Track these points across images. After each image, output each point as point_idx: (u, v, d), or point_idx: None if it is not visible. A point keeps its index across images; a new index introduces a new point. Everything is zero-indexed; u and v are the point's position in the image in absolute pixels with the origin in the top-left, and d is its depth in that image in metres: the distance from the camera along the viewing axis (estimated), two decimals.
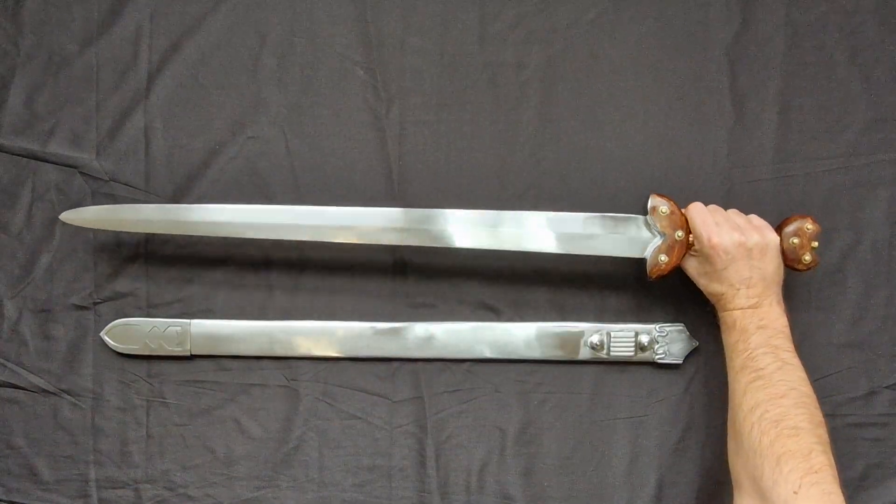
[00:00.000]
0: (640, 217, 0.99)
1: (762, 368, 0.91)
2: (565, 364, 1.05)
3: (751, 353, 0.92)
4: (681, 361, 1.04)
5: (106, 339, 1.05)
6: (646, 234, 0.99)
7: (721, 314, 0.97)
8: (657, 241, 0.98)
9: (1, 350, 1.06)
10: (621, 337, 1.04)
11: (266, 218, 0.99)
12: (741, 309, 0.95)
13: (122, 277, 1.06)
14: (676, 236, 0.97)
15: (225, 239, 1.06)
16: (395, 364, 1.05)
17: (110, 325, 1.05)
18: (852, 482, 1.02)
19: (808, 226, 0.96)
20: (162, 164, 1.06)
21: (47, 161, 1.06)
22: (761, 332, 0.93)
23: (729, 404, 0.93)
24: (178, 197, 1.06)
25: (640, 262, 1.00)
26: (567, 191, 1.06)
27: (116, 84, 1.07)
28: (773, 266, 0.95)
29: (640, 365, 1.05)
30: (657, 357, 1.04)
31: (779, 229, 0.97)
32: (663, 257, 0.98)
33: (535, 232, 0.98)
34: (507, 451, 1.04)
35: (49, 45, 1.07)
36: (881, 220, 1.05)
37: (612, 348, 1.04)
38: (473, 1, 1.07)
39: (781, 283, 0.97)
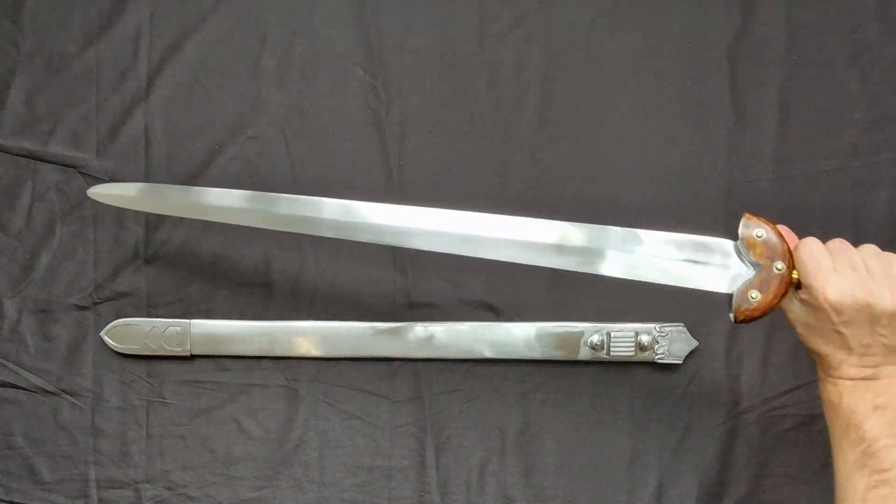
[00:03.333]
0: (730, 242, 0.83)
1: (887, 470, 0.72)
2: (565, 364, 1.05)
3: (869, 445, 0.74)
4: (681, 361, 1.04)
5: (106, 339, 1.05)
6: (736, 263, 0.82)
7: (821, 379, 0.79)
8: (749, 273, 0.81)
9: (1, 350, 1.06)
10: (621, 337, 1.04)
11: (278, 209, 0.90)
12: (850, 380, 0.76)
13: (122, 277, 1.06)
14: (775, 269, 0.80)
15: (225, 239, 1.06)
16: (395, 364, 1.05)
17: (110, 325, 1.05)
18: None
19: None
20: (162, 164, 1.06)
21: (47, 161, 1.06)
22: (879, 414, 0.74)
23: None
24: None
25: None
26: (567, 191, 1.06)
27: (116, 84, 1.07)
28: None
29: (640, 365, 1.05)
30: (657, 357, 1.03)
31: None
32: (755, 294, 0.80)
33: (601, 251, 0.84)
34: (507, 451, 1.04)
35: (49, 45, 1.07)
36: (881, 220, 1.05)
37: (612, 348, 1.04)
38: (473, 1, 1.07)
39: None
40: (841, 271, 0.76)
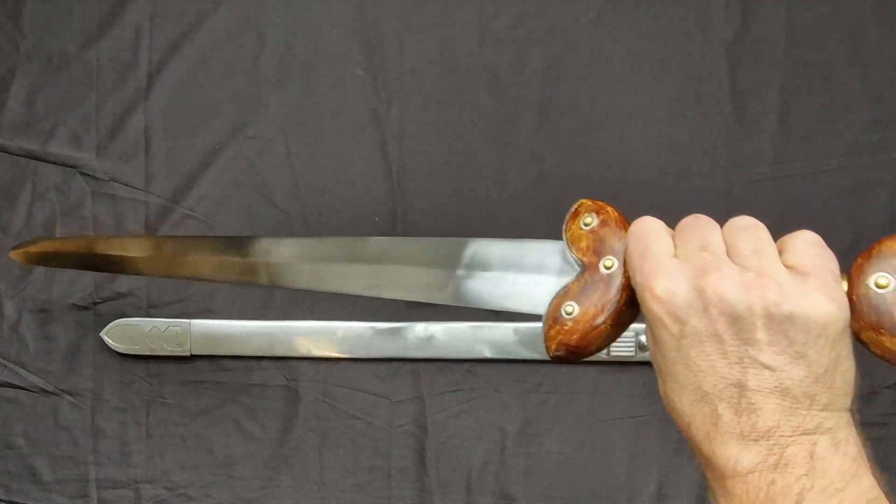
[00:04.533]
0: (559, 242, 0.60)
1: None
2: (565, 364, 1.05)
3: None
4: None
5: (106, 339, 1.05)
6: (559, 270, 0.58)
7: (712, 493, 0.49)
8: (569, 278, 0.56)
9: (1, 350, 1.06)
10: (621, 337, 1.03)
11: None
12: (746, 475, 0.45)
13: (122, 277, 1.06)
14: (603, 267, 0.55)
15: None
16: (395, 364, 1.05)
17: (110, 325, 1.05)
18: None
19: None
20: (162, 164, 1.06)
21: (47, 161, 1.06)
22: None
23: None
24: (178, 197, 1.06)
25: None
26: (567, 191, 1.06)
27: (116, 84, 1.07)
28: (823, 361, 0.46)
29: (640, 365, 1.05)
30: None
31: (855, 274, 0.52)
32: (571, 307, 0.54)
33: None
34: (507, 451, 1.04)
35: (49, 45, 1.07)
36: (881, 221, 1.04)
37: (611, 348, 1.04)
38: (473, 1, 1.07)
39: (851, 388, 0.50)
40: (683, 255, 0.50)
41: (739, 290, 0.47)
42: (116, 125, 1.07)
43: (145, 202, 1.06)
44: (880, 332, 0.51)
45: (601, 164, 1.06)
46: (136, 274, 0.81)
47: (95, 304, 1.06)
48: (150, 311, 1.06)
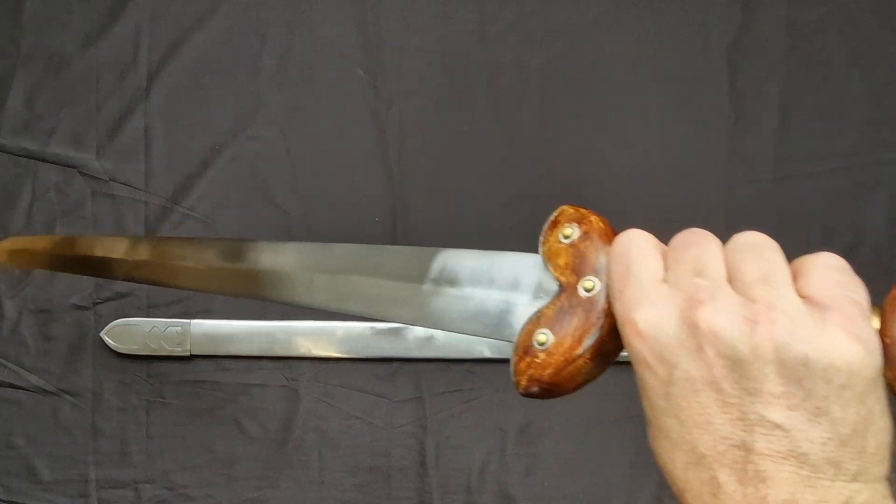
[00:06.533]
0: (536, 256, 0.51)
1: None
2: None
3: None
4: None
5: (106, 339, 1.05)
6: (533, 289, 0.49)
7: None
8: (543, 301, 0.48)
9: (1, 350, 1.06)
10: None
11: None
12: None
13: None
14: (582, 289, 0.46)
15: None
16: (395, 364, 1.05)
17: (110, 325, 1.05)
18: None
19: None
20: (162, 164, 1.06)
21: (47, 161, 1.06)
22: None
23: None
24: (177, 197, 1.06)
25: None
26: (567, 191, 1.06)
27: (116, 84, 1.07)
28: (850, 420, 0.37)
29: None
30: None
31: (889, 309, 0.44)
32: (544, 336, 0.47)
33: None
34: (507, 451, 1.04)
35: (49, 45, 1.07)
36: (881, 221, 1.05)
37: None
38: (473, 1, 1.07)
39: (888, 453, 0.39)
40: (673, 280, 0.41)
41: (741, 327, 0.38)
42: (116, 125, 1.07)
43: (145, 202, 1.06)
44: None
45: (601, 165, 1.06)
46: (112, 278, 0.73)
47: (95, 304, 1.06)
48: (150, 311, 1.06)
